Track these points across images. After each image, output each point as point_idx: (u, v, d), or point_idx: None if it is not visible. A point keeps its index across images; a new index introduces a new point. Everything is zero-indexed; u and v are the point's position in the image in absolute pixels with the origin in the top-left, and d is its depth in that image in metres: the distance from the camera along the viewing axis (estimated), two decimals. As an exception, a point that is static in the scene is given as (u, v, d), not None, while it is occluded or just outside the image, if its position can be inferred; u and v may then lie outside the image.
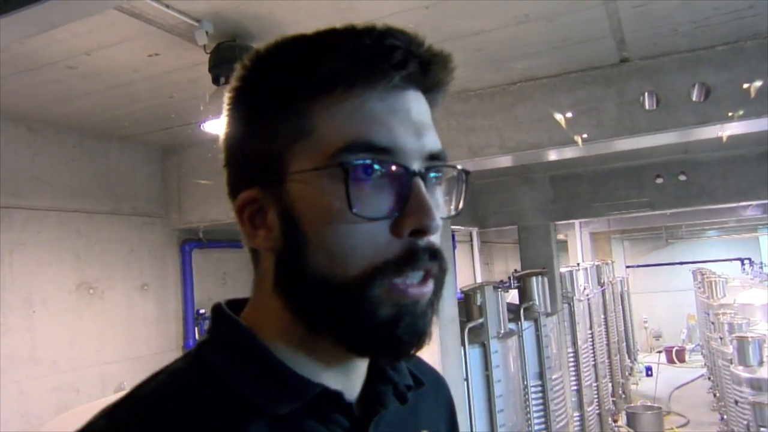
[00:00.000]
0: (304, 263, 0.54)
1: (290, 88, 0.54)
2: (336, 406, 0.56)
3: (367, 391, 0.62)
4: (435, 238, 0.55)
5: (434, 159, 0.56)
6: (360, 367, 0.61)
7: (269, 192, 0.55)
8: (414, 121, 0.55)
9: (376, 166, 0.52)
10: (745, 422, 6.20)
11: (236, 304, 0.62)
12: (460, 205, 0.61)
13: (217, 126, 2.78)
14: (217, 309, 0.61)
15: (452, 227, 6.73)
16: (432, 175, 0.56)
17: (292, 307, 0.56)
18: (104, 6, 2.10)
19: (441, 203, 0.58)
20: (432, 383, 0.73)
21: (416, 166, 0.54)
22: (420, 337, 0.55)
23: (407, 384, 0.64)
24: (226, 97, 0.59)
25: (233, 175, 0.59)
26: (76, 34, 2.55)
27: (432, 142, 0.57)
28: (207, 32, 2.52)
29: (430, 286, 0.55)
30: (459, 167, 0.60)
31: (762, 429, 5.79)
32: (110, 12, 2.35)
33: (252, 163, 0.57)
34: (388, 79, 0.54)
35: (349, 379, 0.60)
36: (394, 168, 0.53)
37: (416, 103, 0.57)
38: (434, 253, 0.55)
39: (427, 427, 0.68)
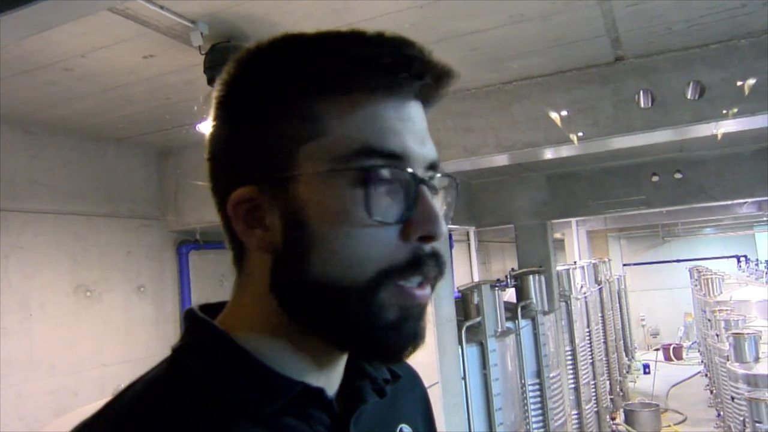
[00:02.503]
0: (308, 265, 0.53)
1: (302, 89, 0.54)
2: (317, 403, 0.56)
3: (346, 386, 0.62)
4: (438, 244, 0.56)
5: (433, 167, 0.58)
6: (341, 365, 0.61)
7: (270, 191, 0.54)
8: (418, 130, 0.57)
9: (389, 171, 0.54)
10: (742, 418, 6.23)
11: (211, 309, 0.62)
12: (452, 213, 0.63)
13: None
14: (189, 313, 0.61)
15: (449, 226, 6.73)
16: (434, 182, 0.58)
17: (290, 308, 0.55)
18: (98, 7, 2.10)
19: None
20: (407, 377, 0.74)
21: (421, 173, 0.56)
22: (418, 339, 0.56)
23: (385, 378, 0.65)
24: (217, 93, 0.58)
25: (224, 171, 0.58)
26: (71, 35, 2.55)
27: (432, 151, 0.59)
28: (202, 33, 2.51)
29: (429, 290, 0.56)
30: (452, 176, 0.62)
31: (758, 425, 5.81)
32: (105, 13, 2.35)
33: (250, 161, 0.55)
34: (406, 89, 0.55)
35: (330, 377, 0.60)
36: (403, 173, 0.54)
37: (419, 113, 0.59)
38: (438, 259, 0.56)
39: (405, 421, 0.68)
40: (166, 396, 0.54)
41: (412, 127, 0.56)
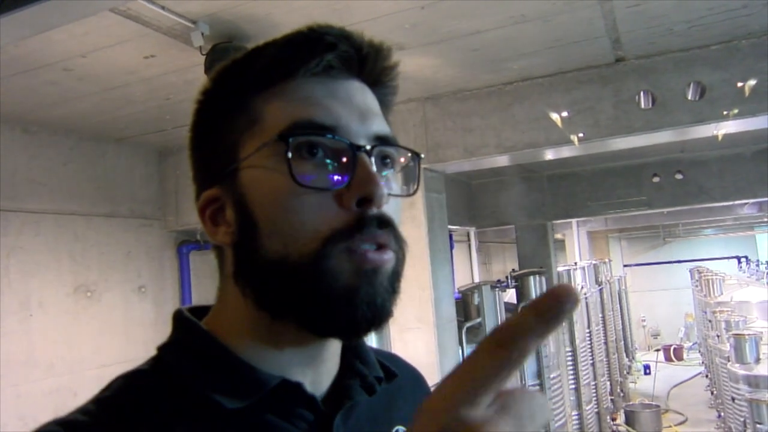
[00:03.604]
0: (258, 248, 0.54)
1: (237, 86, 0.57)
2: (299, 400, 0.56)
3: (336, 385, 0.62)
4: (388, 211, 0.54)
5: (382, 142, 0.57)
6: (329, 361, 0.61)
7: (226, 188, 0.57)
8: (357, 106, 0.57)
9: (320, 141, 0.54)
10: (742, 419, 6.22)
11: (200, 310, 0.63)
12: (415, 186, 0.61)
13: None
14: (176, 314, 0.62)
15: (450, 227, 6.74)
16: (383, 156, 0.57)
17: (251, 296, 0.55)
18: (100, 7, 2.10)
19: (393, 182, 0.58)
20: (409, 380, 0.73)
21: (363, 143, 0.55)
22: (379, 311, 0.53)
23: (377, 376, 0.64)
24: (196, 101, 0.61)
25: (196, 179, 0.61)
26: (72, 35, 2.55)
27: (379, 125, 0.57)
28: (203, 34, 2.52)
29: (389, 255, 0.54)
30: (410, 149, 0.61)
31: (758, 426, 5.81)
32: (106, 14, 2.35)
33: (210, 162, 0.58)
34: (320, 59, 0.55)
35: (318, 373, 0.60)
36: (337, 142, 0.54)
37: (360, 92, 0.58)
38: (384, 222, 0.54)
39: (402, 423, 0.67)
40: (143, 391, 0.55)
41: (346, 103, 0.56)
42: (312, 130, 0.53)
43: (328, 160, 0.54)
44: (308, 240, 0.52)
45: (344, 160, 0.54)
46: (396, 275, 0.56)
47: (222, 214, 0.57)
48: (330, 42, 0.56)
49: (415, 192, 0.61)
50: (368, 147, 0.55)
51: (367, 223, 0.53)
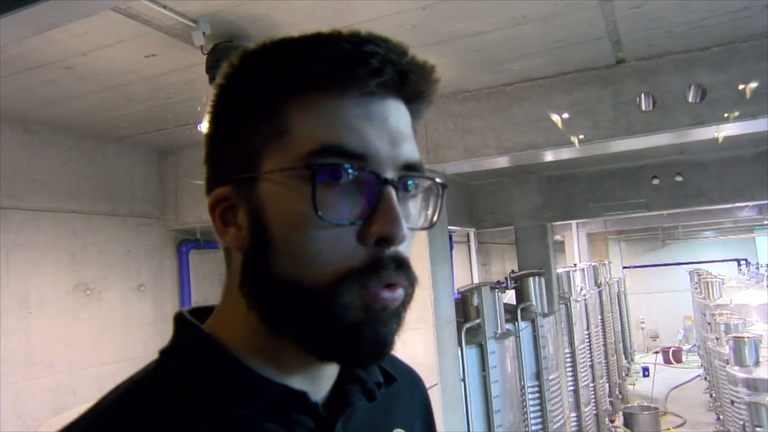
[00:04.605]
0: (269, 264, 0.53)
1: (267, 88, 0.55)
2: (300, 407, 0.56)
3: (335, 391, 0.61)
4: (404, 249, 0.54)
5: (410, 169, 0.55)
6: (330, 369, 0.60)
7: (241, 190, 0.55)
8: (390, 130, 0.55)
9: (347, 170, 0.52)
10: (741, 422, 6.22)
11: (202, 312, 0.62)
12: (435, 218, 0.60)
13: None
14: (178, 317, 0.61)
15: (449, 228, 6.74)
16: (409, 184, 0.56)
17: (256, 309, 0.55)
18: (101, 7, 2.10)
19: (414, 214, 0.57)
20: (407, 382, 0.73)
21: (390, 174, 0.53)
22: (382, 346, 0.54)
23: (376, 381, 0.64)
24: (211, 94, 0.59)
25: (209, 171, 0.59)
26: (73, 34, 2.55)
27: (408, 151, 0.56)
28: (204, 33, 2.52)
29: (399, 293, 0.54)
30: (436, 180, 0.59)
31: (758, 429, 5.81)
32: (107, 13, 2.35)
33: (227, 160, 0.56)
34: (363, 85, 0.53)
35: (318, 381, 0.59)
36: (363, 173, 0.52)
37: (395, 112, 0.56)
38: (400, 264, 0.53)
39: (400, 426, 0.67)
40: (146, 399, 0.54)
41: (381, 126, 0.54)
42: (341, 157, 0.52)
43: (352, 190, 0.52)
44: (323, 272, 0.52)
45: (369, 192, 0.53)
46: (403, 310, 0.56)
47: (233, 215, 0.56)
48: (375, 68, 0.53)
49: (434, 224, 0.60)
50: (394, 179, 0.53)
51: (385, 266, 0.52)
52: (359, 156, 0.52)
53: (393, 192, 0.53)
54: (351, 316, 0.52)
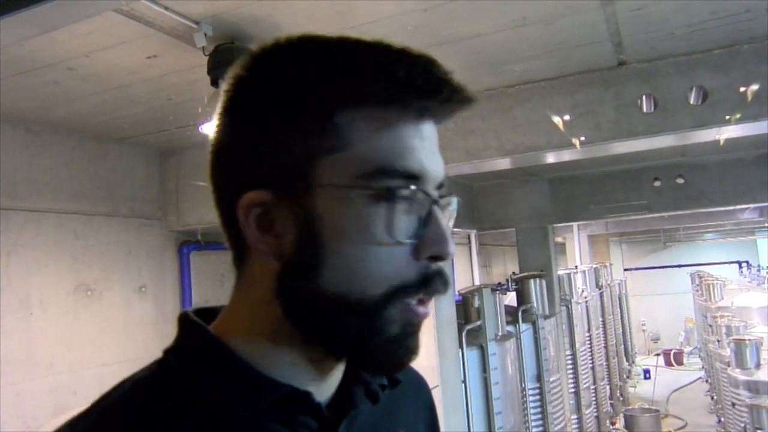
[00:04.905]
0: (318, 276, 0.53)
1: (327, 97, 0.53)
2: (304, 408, 0.56)
3: (340, 392, 0.62)
4: (444, 263, 0.58)
5: (440, 186, 0.58)
6: (338, 371, 0.61)
7: (285, 198, 0.53)
8: (435, 150, 0.59)
9: (408, 191, 0.54)
10: (743, 425, 6.21)
11: (205, 313, 0.62)
12: (451, 230, 0.64)
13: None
14: (182, 317, 0.61)
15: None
16: (443, 200, 0.59)
17: (295, 316, 0.55)
18: (103, 8, 2.11)
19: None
20: (411, 384, 0.73)
21: (434, 193, 0.57)
22: (411, 354, 0.57)
23: (381, 383, 0.64)
24: (227, 89, 0.57)
25: (231, 170, 0.56)
26: (75, 35, 2.55)
27: (441, 169, 0.59)
28: (206, 34, 2.52)
29: (430, 307, 0.57)
30: (457, 198, 0.63)
31: (759, 431, 5.79)
32: (109, 14, 2.35)
33: (263, 163, 0.54)
34: (428, 111, 0.56)
35: (326, 383, 0.60)
36: (419, 193, 0.55)
37: (433, 131, 0.59)
38: (444, 278, 0.57)
39: (404, 428, 0.67)
40: (148, 398, 0.54)
41: (428, 146, 0.57)
42: (403, 178, 0.54)
43: (408, 209, 0.54)
44: (377, 285, 0.53)
45: (422, 211, 0.55)
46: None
47: (269, 221, 0.54)
48: (448, 96, 0.55)
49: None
50: (437, 197, 0.57)
51: (433, 280, 0.56)
52: (416, 178, 0.54)
53: (440, 210, 0.56)
54: (394, 329, 0.54)
